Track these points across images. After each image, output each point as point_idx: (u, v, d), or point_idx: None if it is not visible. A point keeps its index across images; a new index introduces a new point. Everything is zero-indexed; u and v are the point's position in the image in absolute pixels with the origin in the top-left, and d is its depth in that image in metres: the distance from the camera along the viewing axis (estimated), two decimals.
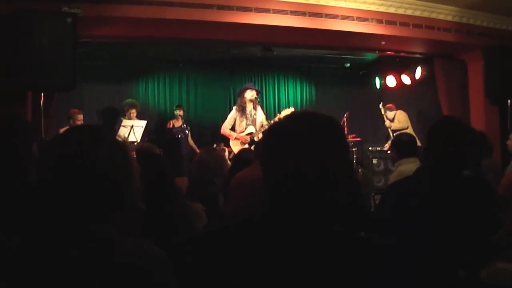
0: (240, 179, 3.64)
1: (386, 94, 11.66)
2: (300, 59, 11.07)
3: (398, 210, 2.51)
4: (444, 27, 7.84)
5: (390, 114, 10.12)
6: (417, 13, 7.60)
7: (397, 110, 10.10)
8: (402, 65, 10.49)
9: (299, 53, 10.34)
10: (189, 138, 10.02)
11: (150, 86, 11.18)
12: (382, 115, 10.32)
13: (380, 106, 10.34)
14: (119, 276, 1.31)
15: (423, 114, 10.56)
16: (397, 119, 9.92)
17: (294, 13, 6.89)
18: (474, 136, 2.63)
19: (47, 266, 1.29)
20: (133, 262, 1.33)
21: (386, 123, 10.01)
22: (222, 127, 8.73)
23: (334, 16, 7.10)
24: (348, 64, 11.67)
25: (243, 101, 8.55)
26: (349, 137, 9.68)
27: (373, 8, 7.30)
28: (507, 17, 8.21)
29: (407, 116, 9.92)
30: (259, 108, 8.66)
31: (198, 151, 8.75)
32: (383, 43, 8.05)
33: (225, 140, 8.78)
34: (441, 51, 8.87)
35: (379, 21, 7.38)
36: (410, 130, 9.09)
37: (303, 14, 6.93)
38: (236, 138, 8.47)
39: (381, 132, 11.61)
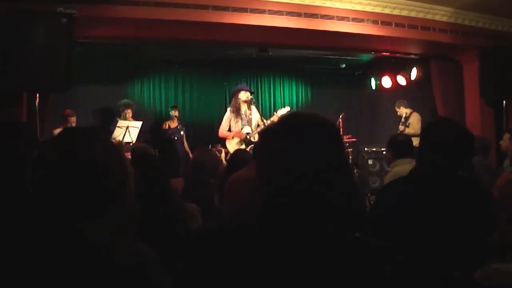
0: (235, 180, 3.63)
1: (381, 95, 11.68)
2: (295, 60, 11.06)
3: (392, 210, 2.51)
4: (439, 28, 7.85)
5: (404, 110, 9.69)
6: (413, 14, 7.61)
7: (412, 110, 9.69)
8: (398, 66, 10.50)
9: (294, 54, 10.34)
10: (184, 139, 10.02)
11: (146, 86, 11.18)
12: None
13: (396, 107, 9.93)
14: (112, 277, 1.31)
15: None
16: (411, 124, 9.46)
17: (290, 14, 6.89)
18: (468, 137, 2.63)
19: (39, 267, 1.29)
20: (126, 263, 1.33)
21: (400, 127, 9.48)
22: (219, 130, 8.74)
23: (330, 17, 7.10)
24: (344, 65, 11.67)
25: (237, 102, 8.56)
26: (344, 137, 9.67)
27: (369, 9, 7.31)
28: (503, 18, 8.23)
29: (420, 121, 9.48)
30: (254, 108, 8.66)
31: (191, 154, 8.79)
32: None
33: (222, 141, 8.78)
34: (437, 52, 8.88)
35: (375, 22, 7.39)
36: None
37: (298, 15, 6.93)
38: (233, 137, 8.48)
39: (377, 132, 11.62)
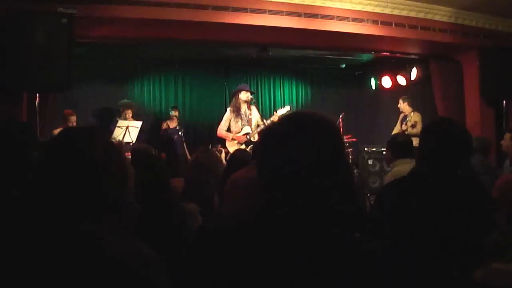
0: (235, 180, 3.63)
1: (381, 95, 11.68)
2: (295, 60, 11.08)
3: (392, 210, 2.51)
4: (439, 28, 7.84)
5: (408, 109, 9.45)
6: (413, 14, 7.61)
7: (412, 109, 9.40)
8: (398, 66, 10.49)
9: (294, 54, 10.35)
10: (183, 140, 10.00)
11: (146, 86, 11.19)
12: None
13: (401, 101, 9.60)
14: (111, 276, 1.31)
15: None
16: (418, 123, 9.02)
17: (290, 13, 6.89)
18: (467, 137, 2.64)
19: (39, 266, 1.29)
20: (125, 262, 1.34)
21: (402, 126, 9.23)
22: (218, 129, 8.70)
23: (330, 17, 7.10)
24: (344, 65, 11.68)
25: (238, 102, 8.54)
26: (344, 137, 9.67)
27: (369, 9, 7.31)
28: (503, 18, 8.23)
29: (421, 121, 9.13)
30: (254, 108, 8.65)
31: (189, 156, 8.78)
32: None
33: (222, 141, 8.77)
34: (437, 52, 8.88)
35: (375, 22, 7.39)
36: None
37: (298, 14, 6.93)
38: (232, 139, 8.47)
39: (377, 132, 11.62)
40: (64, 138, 1.49)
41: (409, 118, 9.13)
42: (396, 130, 9.44)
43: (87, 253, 1.32)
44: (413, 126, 8.94)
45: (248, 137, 8.36)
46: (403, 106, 9.55)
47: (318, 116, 1.40)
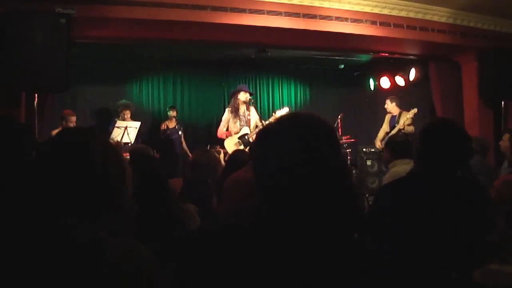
0: (234, 180, 3.64)
1: (380, 96, 11.67)
2: (294, 60, 11.07)
3: (391, 211, 2.51)
4: (438, 29, 7.84)
5: (394, 108, 9.52)
6: (411, 15, 7.60)
7: (401, 110, 9.41)
8: (396, 66, 10.49)
9: (293, 55, 10.34)
10: (182, 139, 10.01)
11: (144, 87, 11.17)
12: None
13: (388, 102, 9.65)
14: (107, 276, 1.31)
15: (417, 115, 10.51)
16: (408, 123, 9.12)
17: (288, 14, 6.89)
18: (466, 138, 2.64)
19: (34, 265, 1.29)
20: (121, 262, 1.34)
21: (399, 125, 9.16)
22: (218, 131, 8.75)
23: (328, 18, 7.09)
24: (342, 66, 11.67)
25: (236, 102, 8.57)
26: (343, 138, 9.69)
27: (367, 9, 7.31)
28: (502, 19, 8.23)
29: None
30: (252, 108, 8.67)
31: (190, 154, 8.80)
32: None
33: (220, 142, 8.78)
34: (435, 53, 8.87)
35: (373, 23, 7.39)
36: None
37: (297, 15, 6.93)
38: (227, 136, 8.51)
39: (375, 133, 11.61)
40: (62, 139, 1.49)
41: (409, 116, 9.11)
42: (382, 131, 9.52)
43: (85, 253, 1.32)
44: (410, 124, 8.96)
45: (247, 137, 8.37)
46: (391, 106, 9.57)
47: (314, 116, 1.40)
